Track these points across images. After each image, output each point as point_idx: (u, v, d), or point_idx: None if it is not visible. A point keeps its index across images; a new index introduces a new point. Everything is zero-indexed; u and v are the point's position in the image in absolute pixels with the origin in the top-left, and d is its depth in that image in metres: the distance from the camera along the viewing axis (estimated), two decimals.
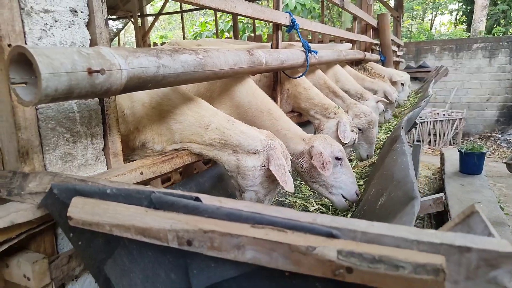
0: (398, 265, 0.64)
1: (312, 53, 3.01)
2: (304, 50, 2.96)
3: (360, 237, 0.72)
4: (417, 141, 11.55)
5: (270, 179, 1.86)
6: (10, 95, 1.18)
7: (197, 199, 0.87)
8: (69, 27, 1.35)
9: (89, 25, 1.42)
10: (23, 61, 0.95)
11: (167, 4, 11.20)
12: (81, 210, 0.98)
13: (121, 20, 12.75)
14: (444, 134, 11.75)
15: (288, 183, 1.76)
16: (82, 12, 1.39)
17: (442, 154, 8.43)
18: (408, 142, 11.59)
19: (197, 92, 2.32)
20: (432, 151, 11.16)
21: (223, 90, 2.29)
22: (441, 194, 2.31)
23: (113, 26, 12.78)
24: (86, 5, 1.40)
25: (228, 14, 14.37)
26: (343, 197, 2.32)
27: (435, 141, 11.80)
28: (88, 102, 1.42)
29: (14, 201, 1.18)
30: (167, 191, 0.92)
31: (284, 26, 2.98)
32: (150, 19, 12.35)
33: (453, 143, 11.81)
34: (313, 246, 0.70)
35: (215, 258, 0.81)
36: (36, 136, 1.25)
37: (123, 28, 12.97)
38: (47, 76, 0.90)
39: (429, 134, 11.79)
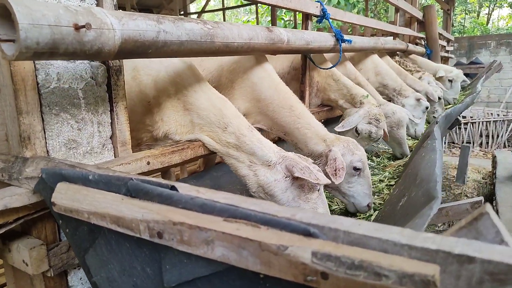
0: (380, 273, 0.53)
1: (346, 42, 2.83)
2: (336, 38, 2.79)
3: (343, 238, 0.61)
4: (467, 142, 10.81)
5: (305, 188, 1.76)
6: (12, 79, 1.17)
7: (173, 187, 0.79)
8: None
9: None
10: (8, 17, 0.91)
11: (211, 2, 11.32)
12: (64, 196, 0.94)
13: None
14: (498, 136, 10.90)
15: (320, 178, 1.67)
16: None
17: (494, 157, 7.81)
18: (457, 143, 10.87)
19: (218, 82, 2.26)
20: (484, 154, 10.39)
21: (245, 82, 2.21)
22: (481, 198, 2.08)
23: None
24: None
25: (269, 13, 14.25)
26: (354, 205, 2.24)
27: (487, 143, 10.98)
28: (94, 89, 1.40)
29: (13, 186, 1.18)
30: (145, 178, 0.85)
31: (315, 16, 2.84)
32: (193, 17, 12.57)
33: (508, 146, 10.92)
34: (285, 246, 0.60)
35: (188, 253, 0.74)
36: (38, 121, 1.24)
37: None
38: (25, 26, 0.86)
39: (481, 136, 10.99)
